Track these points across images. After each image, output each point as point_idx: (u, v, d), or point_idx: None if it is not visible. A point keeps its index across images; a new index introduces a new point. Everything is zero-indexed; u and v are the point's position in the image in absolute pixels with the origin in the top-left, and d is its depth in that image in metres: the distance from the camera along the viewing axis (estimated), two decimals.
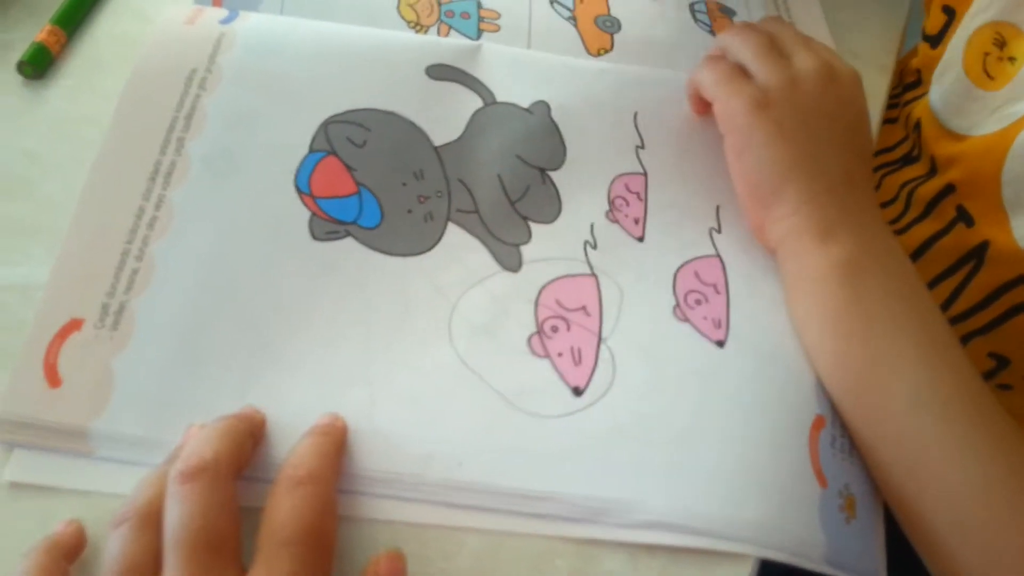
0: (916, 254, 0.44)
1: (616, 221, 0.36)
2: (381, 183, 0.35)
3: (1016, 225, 0.37)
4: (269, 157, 0.34)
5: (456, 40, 0.40)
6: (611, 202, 0.37)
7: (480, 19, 0.42)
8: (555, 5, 0.44)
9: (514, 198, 0.36)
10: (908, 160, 0.48)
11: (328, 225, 0.34)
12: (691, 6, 0.45)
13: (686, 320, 0.34)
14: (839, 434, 0.32)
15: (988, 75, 0.40)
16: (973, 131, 0.40)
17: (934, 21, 0.46)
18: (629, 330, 0.33)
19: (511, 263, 0.35)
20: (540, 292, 0.34)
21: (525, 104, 0.38)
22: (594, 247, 0.35)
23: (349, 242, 0.34)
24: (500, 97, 0.38)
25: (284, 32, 0.38)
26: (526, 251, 0.35)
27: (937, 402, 0.30)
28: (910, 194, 0.45)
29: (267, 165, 0.34)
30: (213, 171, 0.34)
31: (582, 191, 0.37)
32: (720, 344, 0.33)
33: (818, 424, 0.32)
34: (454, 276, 0.34)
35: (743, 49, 0.36)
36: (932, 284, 0.43)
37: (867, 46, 0.47)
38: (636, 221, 0.37)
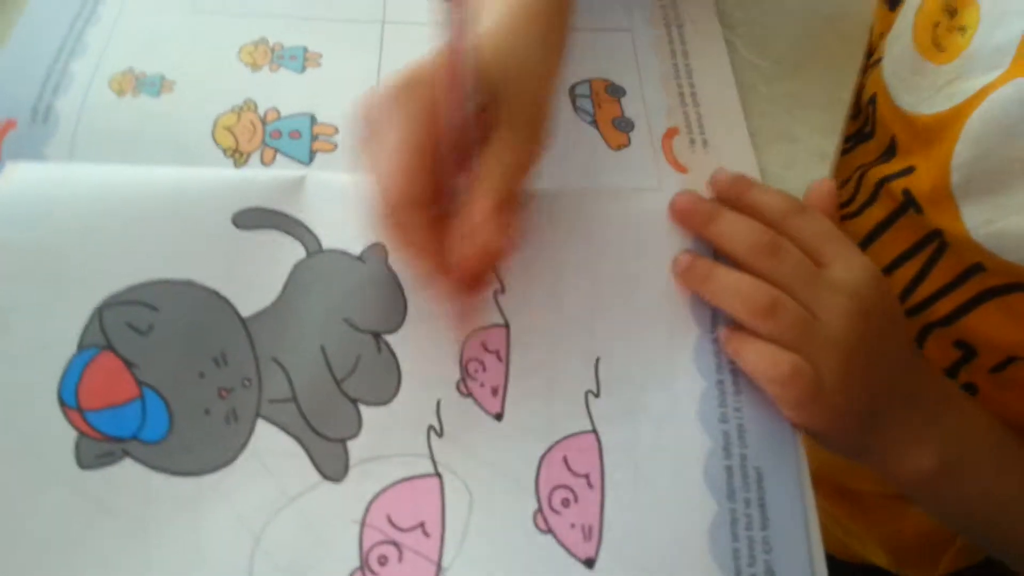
0: (873, 235, 0.39)
1: (469, 394, 0.30)
2: (170, 379, 0.28)
3: (967, 214, 0.33)
4: (25, 366, 0.28)
5: (272, 173, 0.33)
6: (464, 367, 0.30)
7: (313, 137, 0.35)
8: None
9: (340, 375, 0.29)
10: (861, 137, 0.42)
11: (100, 446, 0.27)
12: (572, 89, 0.38)
13: (548, 531, 0.27)
14: None
15: (937, 47, 0.35)
16: (919, 108, 0.36)
17: None
18: (476, 553, 0.27)
19: (334, 469, 0.28)
20: (368, 508, 0.27)
21: (357, 250, 0.32)
22: (440, 434, 0.29)
23: (127, 465, 0.27)
24: (327, 243, 0.32)
25: (57, 189, 0.31)
26: (354, 448, 0.28)
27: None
28: (862, 175, 0.40)
29: (22, 377, 0.28)
30: None
31: (427, 357, 0.30)
32: (589, 564, 0.27)
33: None
34: (260, 496, 0.27)
35: (780, 273, 0.30)
36: (894, 265, 0.38)
37: (805, 129, 0.40)
38: (494, 391, 0.30)
